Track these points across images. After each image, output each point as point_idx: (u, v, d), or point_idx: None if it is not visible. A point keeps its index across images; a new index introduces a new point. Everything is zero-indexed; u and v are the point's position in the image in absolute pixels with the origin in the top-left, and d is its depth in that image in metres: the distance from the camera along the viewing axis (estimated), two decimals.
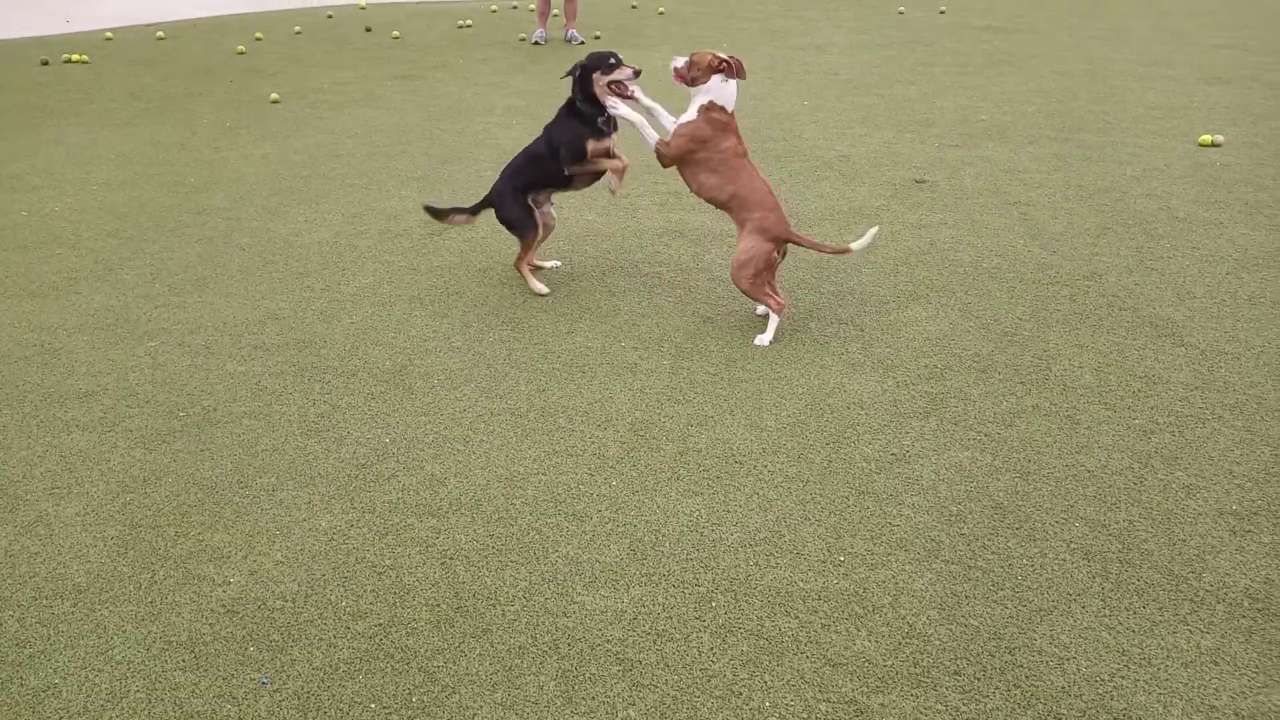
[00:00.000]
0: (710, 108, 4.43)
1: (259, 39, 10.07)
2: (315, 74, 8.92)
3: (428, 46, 10.04)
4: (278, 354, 4.33)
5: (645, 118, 4.66)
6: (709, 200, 4.59)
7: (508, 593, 2.97)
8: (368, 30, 10.60)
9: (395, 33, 10.47)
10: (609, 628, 2.82)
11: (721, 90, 4.44)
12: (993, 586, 2.97)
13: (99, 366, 4.17)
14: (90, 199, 6.00)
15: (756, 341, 4.45)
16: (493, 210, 4.92)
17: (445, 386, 4.10)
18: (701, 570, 3.06)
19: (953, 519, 3.29)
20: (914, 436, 3.75)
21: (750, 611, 2.88)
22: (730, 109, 4.46)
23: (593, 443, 3.73)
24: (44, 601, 2.93)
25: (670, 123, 4.59)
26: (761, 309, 4.61)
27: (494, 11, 11.76)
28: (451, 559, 3.12)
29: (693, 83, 4.46)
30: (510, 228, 4.91)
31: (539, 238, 4.90)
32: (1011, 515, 3.30)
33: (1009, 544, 3.16)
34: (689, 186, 4.63)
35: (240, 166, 6.67)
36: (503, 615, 2.88)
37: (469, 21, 11.08)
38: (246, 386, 4.08)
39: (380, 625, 2.85)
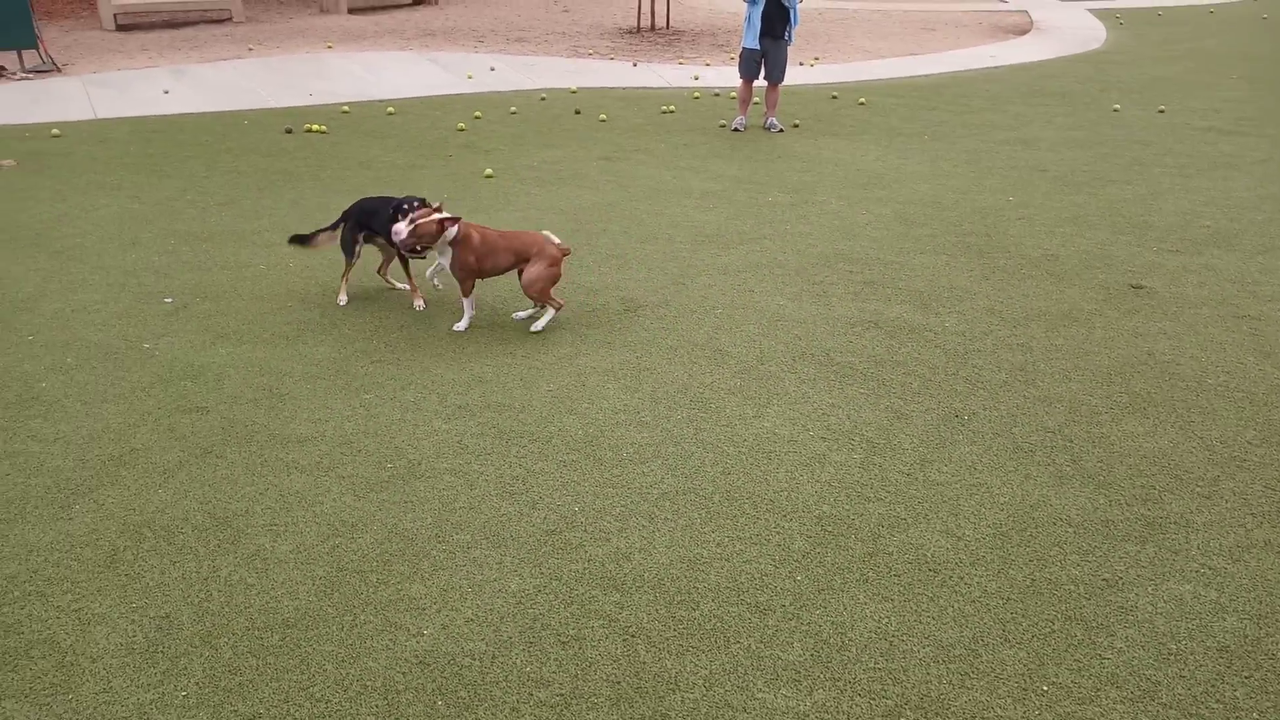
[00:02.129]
0: (456, 242, 5.25)
1: (478, 117, 10.75)
2: (527, 152, 9.41)
3: (632, 130, 10.43)
4: (480, 415, 4.51)
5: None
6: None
7: (688, 679, 2.94)
8: (577, 113, 11.12)
9: (602, 115, 10.94)
10: None
11: (450, 232, 5.21)
12: None
13: (319, 414, 4.47)
14: (321, 258, 6.50)
15: (517, 317, 5.60)
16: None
17: (633, 460, 4.16)
18: (890, 681, 2.93)
19: (1171, 658, 3.02)
20: (1128, 562, 3.49)
21: None
22: (460, 231, 5.24)
23: (778, 533, 3.67)
24: (256, 632, 3.12)
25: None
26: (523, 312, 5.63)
27: (696, 98, 12.12)
28: (633, 636, 3.12)
29: (426, 249, 5.30)
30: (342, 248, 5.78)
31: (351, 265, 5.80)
32: (1241, 662, 3.00)
33: (1237, 694, 2.87)
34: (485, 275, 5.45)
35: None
36: (682, 702, 2.84)
37: (671, 107, 11.45)
38: (449, 444, 4.26)
39: (562, 696, 2.86)
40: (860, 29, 18.30)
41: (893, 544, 3.61)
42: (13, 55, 12.14)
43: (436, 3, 19.47)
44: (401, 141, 9.73)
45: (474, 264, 5.31)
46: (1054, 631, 3.16)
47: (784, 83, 10.52)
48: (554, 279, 5.43)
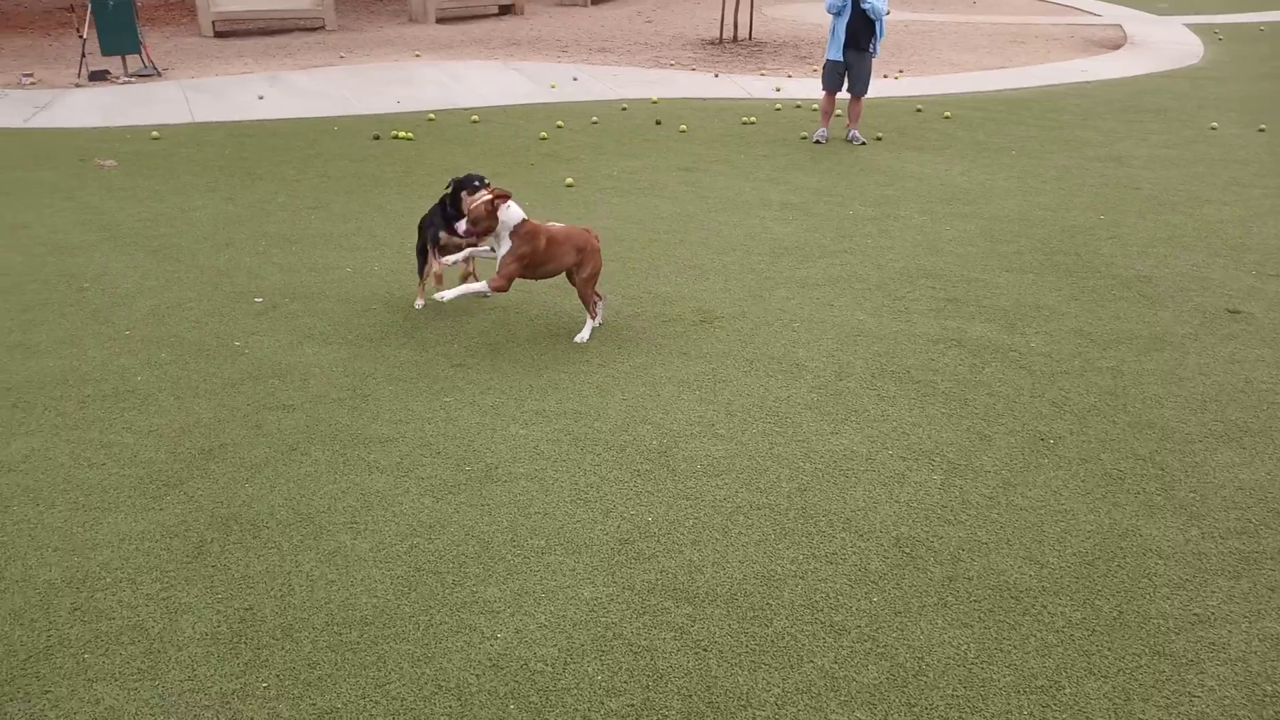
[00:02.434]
0: (516, 231, 5.02)
1: (560, 126, 10.86)
2: (607, 161, 9.47)
3: (712, 140, 10.42)
4: (556, 421, 4.54)
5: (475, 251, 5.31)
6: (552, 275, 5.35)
7: (760, 696, 2.91)
8: (657, 123, 11.16)
9: (682, 126, 10.96)
10: None
11: (510, 213, 5.02)
12: None
13: (400, 415, 4.55)
14: (405, 262, 6.63)
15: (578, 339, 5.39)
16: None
17: (707, 473, 4.14)
18: (968, 710, 2.86)
19: (1267, 700, 2.89)
20: (1221, 597, 3.36)
21: None
22: (523, 217, 5.06)
23: (854, 553, 3.61)
24: (335, 628, 3.18)
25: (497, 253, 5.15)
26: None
27: (778, 110, 12.06)
28: (705, 650, 3.10)
29: (487, 232, 5.05)
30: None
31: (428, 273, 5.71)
32: None
33: None
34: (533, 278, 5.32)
35: None
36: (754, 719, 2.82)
37: (752, 119, 11.42)
38: (526, 449, 4.30)
39: (633, 706, 2.86)
40: (946, 41, 18.01)
41: (973, 569, 3.52)
42: (117, 60, 12.67)
43: (522, 13, 19.75)
44: (485, 149, 9.88)
45: (531, 259, 5.11)
46: (1141, 667, 3.05)
47: (867, 95, 10.41)
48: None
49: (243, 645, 3.10)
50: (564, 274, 5.42)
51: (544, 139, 10.34)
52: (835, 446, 4.35)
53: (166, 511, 3.78)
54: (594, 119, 11.32)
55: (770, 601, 3.33)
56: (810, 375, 5.03)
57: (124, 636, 3.12)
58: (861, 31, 9.90)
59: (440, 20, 18.35)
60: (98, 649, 3.07)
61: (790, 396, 4.81)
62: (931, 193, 8.53)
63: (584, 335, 5.43)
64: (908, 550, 3.63)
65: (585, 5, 21.34)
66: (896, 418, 4.63)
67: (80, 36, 12.74)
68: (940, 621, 3.24)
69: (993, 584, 3.44)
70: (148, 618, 3.21)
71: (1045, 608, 3.32)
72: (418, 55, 14.66)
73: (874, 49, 10.08)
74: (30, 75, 12.49)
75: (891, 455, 4.29)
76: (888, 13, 9.96)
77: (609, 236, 7.25)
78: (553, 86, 12.97)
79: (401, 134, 10.28)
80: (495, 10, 19.77)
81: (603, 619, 3.24)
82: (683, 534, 3.71)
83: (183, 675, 2.97)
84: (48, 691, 2.90)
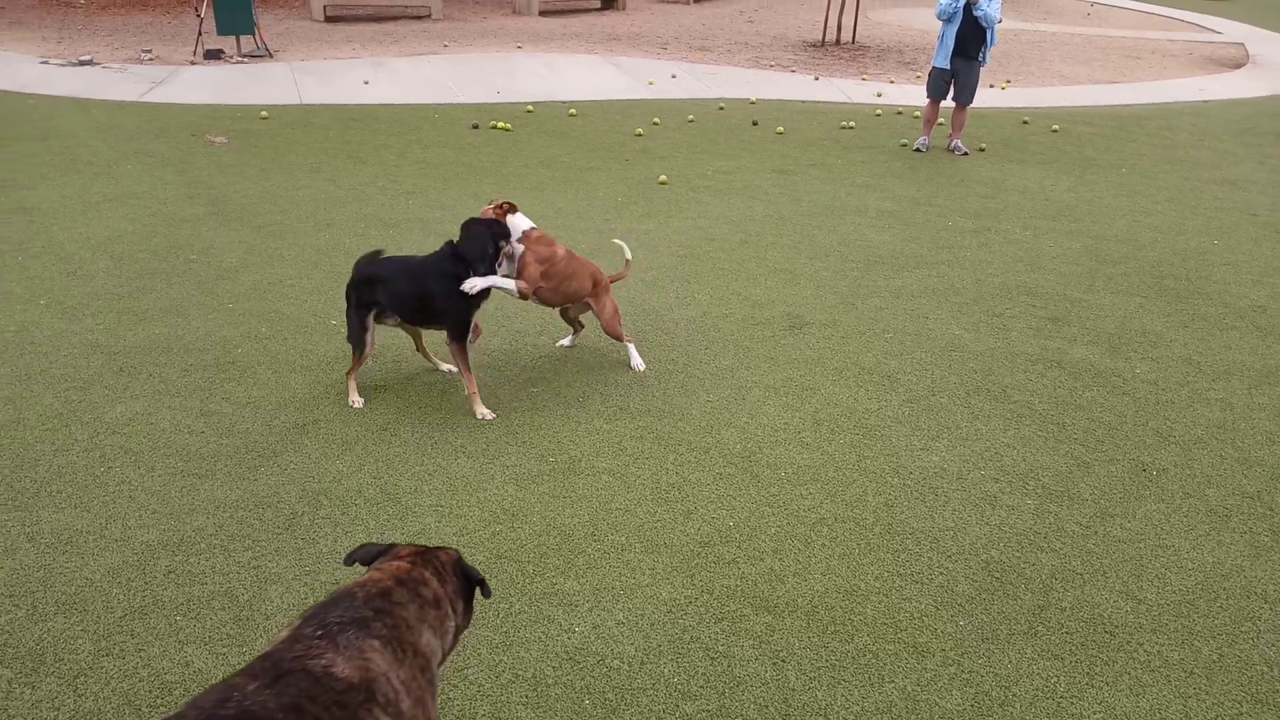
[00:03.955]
0: (527, 236, 4.59)
1: (656, 124, 10.85)
2: (702, 160, 9.43)
3: (809, 144, 10.29)
4: (640, 419, 4.53)
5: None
6: (561, 304, 4.90)
7: (838, 713, 2.85)
8: (754, 124, 11.07)
9: (779, 128, 10.85)
10: None
11: (518, 219, 4.60)
12: None
13: (488, 402, 4.58)
14: None
15: (635, 366, 5.02)
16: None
17: (791, 481, 4.08)
18: None
19: None
20: None
21: None
22: (531, 224, 4.64)
23: (941, 573, 3.52)
24: None
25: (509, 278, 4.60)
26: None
27: (878, 115, 11.86)
28: (784, 661, 3.05)
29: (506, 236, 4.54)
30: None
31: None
32: None
33: None
34: (547, 304, 4.82)
35: (625, 239, 7.15)
36: None
37: (851, 123, 11.24)
38: (609, 444, 4.29)
39: (708, 712, 2.83)
40: (1057, 53, 17.50)
41: (1066, 599, 3.40)
42: (231, 40, 13.09)
43: (624, 8, 19.82)
44: (581, 143, 9.93)
45: (551, 265, 4.59)
46: (1241, 715, 2.90)
47: (972, 104, 10.16)
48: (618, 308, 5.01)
49: None
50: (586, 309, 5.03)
51: (639, 135, 10.34)
52: (925, 463, 4.25)
53: (260, 482, 3.88)
54: (690, 117, 11.28)
55: (852, 617, 3.26)
56: (902, 388, 4.92)
57: (215, 602, 3.21)
58: (971, 39, 9.66)
59: (543, 13, 18.53)
60: (189, 612, 3.16)
61: (880, 409, 4.72)
62: (1035, 207, 8.29)
63: (637, 361, 5.03)
64: (997, 575, 3.52)
65: (688, 3, 21.32)
66: (990, 437, 4.49)
67: (198, 16, 13.20)
68: (1029, 651, 3.13)
69: (1086, 617, 3.31)
70: (238, 585, 3.29)
71: (1141, 645, 3.18)
72: (519, 47, 14.82)
73: (983, 58, 9.83)
74: (149, 51, 12.98)
75: (984, 476, 4.17)
76: (1000, 21, 9.70)
77: (700, 236, 7.22)
78: (650, 83, 12.98)
79: (500, 124, 10.40)
80: (598, 5, 19.88)
81: (680, 621, 3.21)
82: (764, 541, 3.66)
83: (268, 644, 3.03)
84: (141, 650, 2.99)
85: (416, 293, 4.36)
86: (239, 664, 2.94)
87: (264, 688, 1.78)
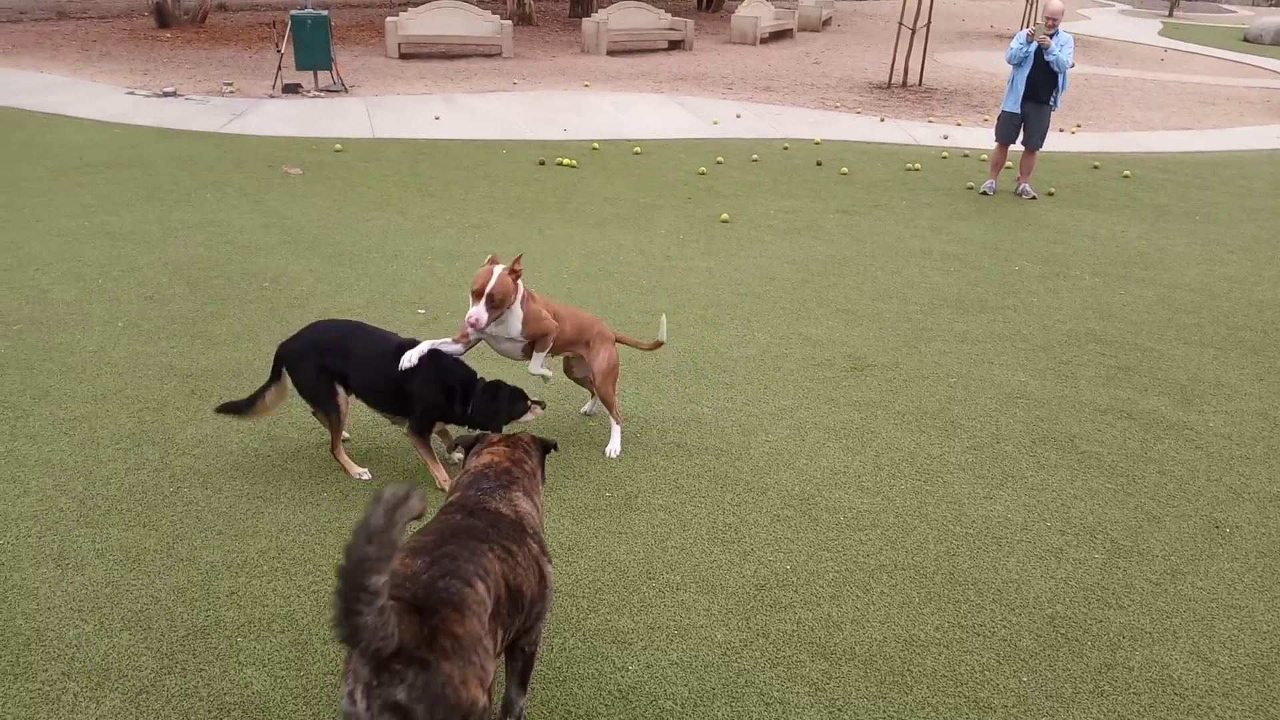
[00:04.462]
0: (528, 298, 4.11)
1: (719, 162, 10.91)
2: (764, 200, 9.45)
3: (873, 184, 10.26)
4: (697, 456, 4.52)
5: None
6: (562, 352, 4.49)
7: None
8: (818, 164, 11.08)
9: (844, 169, 10.84)
10: None
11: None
12: None
13: (545, 434, 4.59)
14: (560, 286, 6.77)
15: (610, 450, 4.50)
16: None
17: (850, 526, 4.02)
18: None
19: None
20: None
21: None
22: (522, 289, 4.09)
23: (1004, 627, 3.43)
24: None
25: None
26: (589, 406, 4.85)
27: (944, 158, 11.78)
28: (840, 710, 2.99)
29: (502, 304, 3.97)
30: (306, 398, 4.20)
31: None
32: None
33: None
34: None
35: (686, 276, 7.18)
36: None
37: (917, 165, 11.19)
38: (666, 481, 4.28)
39: None
40: (1129, 98, 17.25)
41: (1134, 658, 3.29)
42: (309, 75, 13.50)
43: (691, 49, 20.04)
44: (644, 180, 10.02)
45: (554, 318, 4.23)
46: None
47: (1041, 149, 10.05)
48: (617, 367, 4.53)
49: None
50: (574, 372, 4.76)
51: (703, 174, 10.40)
52: (989, 512, 4.16)
53: (323, 507, 3.94)
54: (754, 156, 11.33)
55: (911, 668, 3.19)
56: (965, 434, 4.84)
57: (275, 624, 3.25)
58: (1042, 83, 9.58)
59: (611, 53, 18.82)
60: (250, 633, 3.20)
61: (943, 455, 4.64)
62: (1105, 254, 8.14)
63: (614, 447, 4.50)
64: (1063, 631, 3.42)
65: (754, 44, 21.49)
66: (1057, 488, 4.39)
67: (278, 51, 13.65)
68: (1095, 712, 3.03)
69: (1155, 677, 3.20)
70: (298, 608, 3.33)
71: (1213, 709, 3.06)
72: (586, 85, 15.05)
73: (1054, 102, 9.74)
74: (230, 84, 13.45)
75: (1049, 527, 4.07)
76: (1072, 65, 9.60)
77: (761, 275, 7.21)
78: (715, 122, 13.07)
79: (565, 161, 10.55)
80: (665, 45, 20.14)
81: (735, 664, 3.17)
82: (822, 586, 3.61)
83: (326, 669, 3.06)
84: (202, 669, 3.04)
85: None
86: (297, 688, 2.97)
87: (466, 517, 2.54)
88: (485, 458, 2.83)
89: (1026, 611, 3.51)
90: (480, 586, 2.25)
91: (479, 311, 3.89)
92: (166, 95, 12.62)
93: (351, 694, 2.03)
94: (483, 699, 2.13)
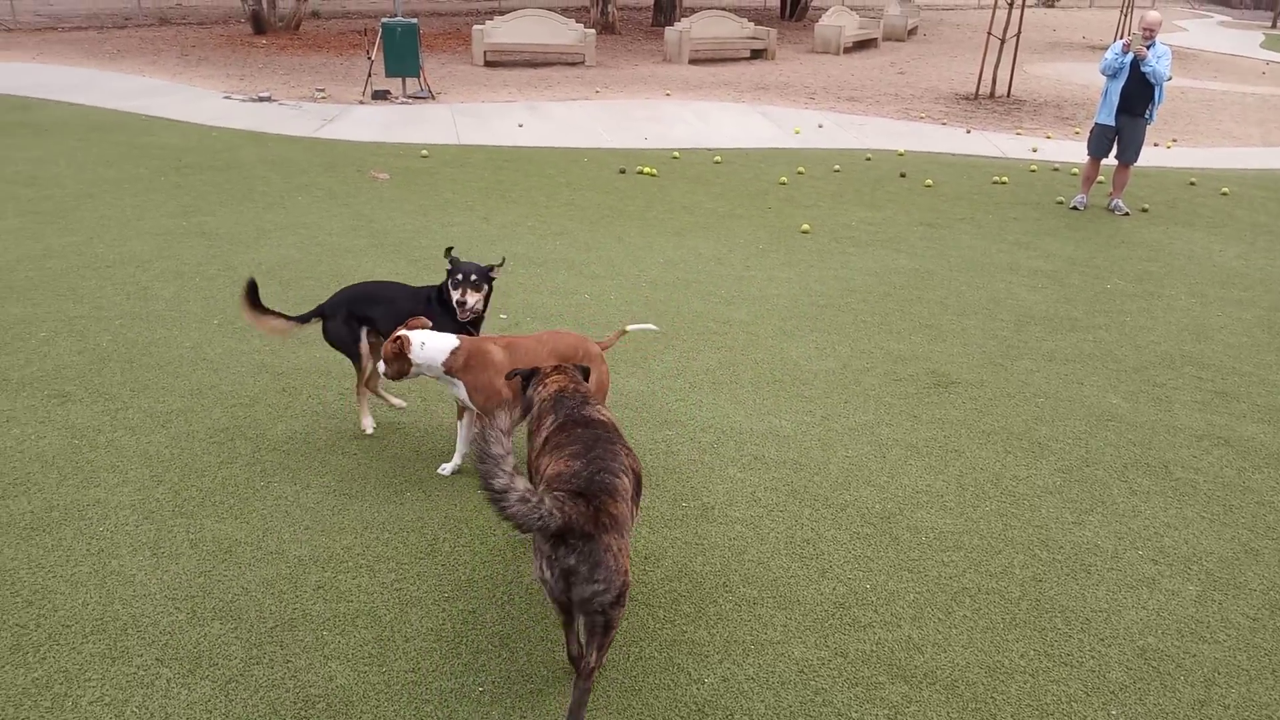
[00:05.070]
0: (452, 367, 3.90)
1: (800, 172, 10.84)
2: (846, 210, 9.35)
3: (958, 197, 10.07)
4: (775, 470, 4.48)
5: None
6: None
7: None
8: (902, 175, 10.92)
9: (928, 180, 10.67)
10: None
11: (428, 351, 3.89)
12: None
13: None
14: (638, 294, 6.79)
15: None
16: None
17: (933, 547, 3.94)
18: None
19: None
20: None
21: None
22: (452, 347, 3.90)
23: (1092, 657, 3.33)
24: (548, 646, 3.25)
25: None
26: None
27: (1033, 171, 11.52)
28: None
29: (401, 375, 3.92)
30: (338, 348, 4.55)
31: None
32: None
33: None
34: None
35: (764, 286, 7.14)
36: None
37: (1004, 178, 10.95)
38: (743, 494, 4.26)
39: None
40: (1228, 112, 16.65)
41: (1230, 696, 3.16)
42: (398, 81, 13.80)
43: (774, 58, 19.96)
44: (724, 190, 10.00)
45: (501, 386, 3.90)
46: None
47: (1136, 163, 9.75)
48: (607, 388, 4.19)
49: (463, 647, 3.22)
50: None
51: (783, 183, 10.34)
52: (1077, 538, 4.04)
53: (405, 506, 4.01)
54: (836, 167, 11.22)
55: (995, 695, 3.12)
56: (1053, 457, 4.71)
57: (359, 620, 3.32)
58: (1137, 96, 9.30)
59: (693, 61, 18.85)
60: (335, 628, 3.28)
61: (1030, 477, 4.53)
62: (1202, 273, 7.86)
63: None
64: (1154, 664, 3.30)
65: (838, 53, 21.31)
66: (1149, 515, 4.25)
67: (369, 58, 14.00)
68: None
69: (1251, 717, 3.07)
70: (381, 605, 3.40)
71: None
72: (668, 94, 15.09)
73: (1150, 115, 9.45)
74: (323, 90, 13.82)
75: (1141, 556, 3.94)
76: (1169, 78, 9.31)
77: (841, 287, 7.14)
78: (797, 132, 12.99)
79: (646, 169, 10.59)
80: (747, 54, 20.10)
81: (812, 682, 3.13)
82: (902, 607, 3.54)
83: (408, 666, 3.12)
84: (289, 661, 3.12)
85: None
86: (379, 684, 3.03)
87: (587, 428, 3.05)
88: (552, 386, 3.35)
89: (1116, 642, 3.40)
90: (623, 478, 2.88)
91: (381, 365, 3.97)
92: (261, 100, 13.02)
93: (539, 566, 2.71)
94: (627, 568, 2.74)
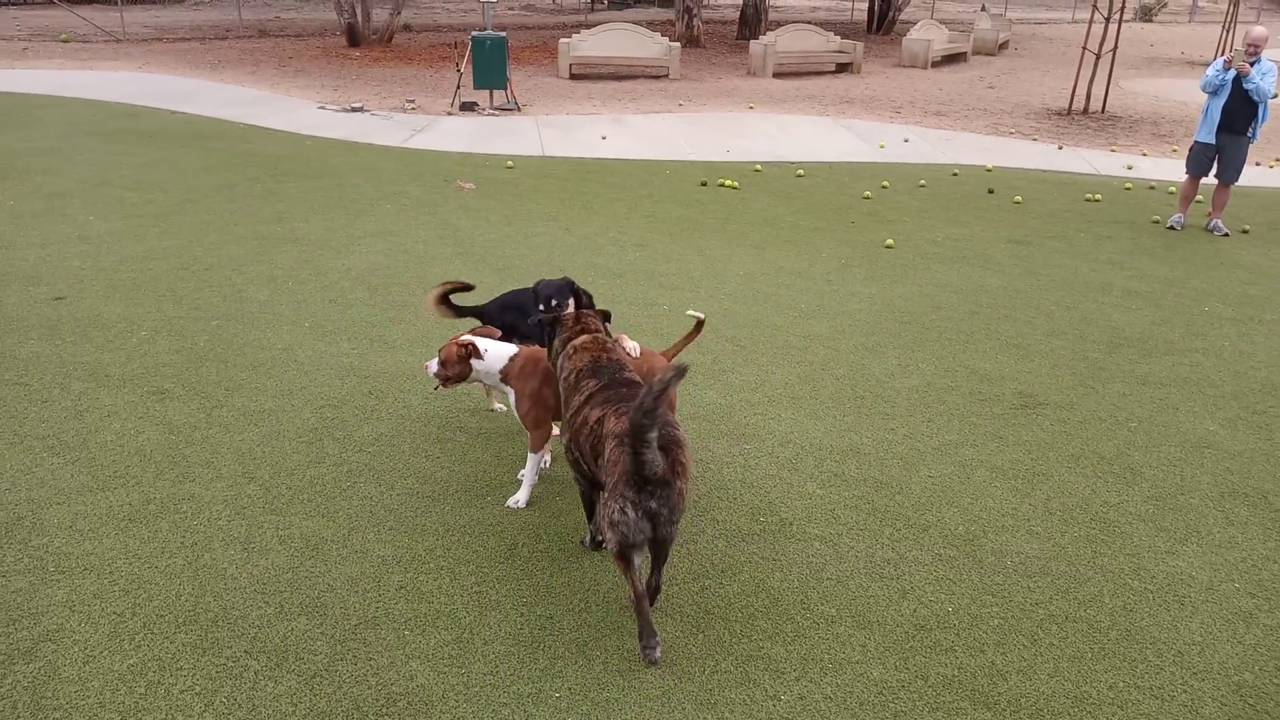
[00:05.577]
0: (508, 373, 4.06)
1: (885, 187, 10.71)
2: (931, 226, 9.20)
3: (1049, 215, 9.83)
4: (855, 488, 4.43)
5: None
6: None
7: None
8: (990, 192, 10.71)
9: (1017, 197, 10.44)
10: None
11: (489, 360, 4.06)
12: None
13: (700, 456, 4.62)
14: (718, 306, 6.78)
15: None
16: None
17: (1018, 571, 3.85)
18: None
19: None
20: None
21: None
22: (511, 353, 4.09)
23: (1185, 691, 3.21)
24: (624, 655, 3.25)
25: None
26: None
27: (1127, 189, 11.18)
28: None
29: (458, 379, 4.10)
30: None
31: None
32: None
33: None
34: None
35: (847, 302, 7.07)
36: None
37: (1098, 196, 10.65)
38: (822, 511, 4.22)
39: None
40: None
41: None
42: (485, 94, 14.05)
43: (859, 71, 19.78)
44: (807, 204, 9.93)
45: (548, 393, 3.98)
46: None
47: (1237, 183, 9.40)
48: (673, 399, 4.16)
49: (540, 652, 3.25)
50: None
51: (867, 198, 10.23)
52: (1171, 568, 3.90)
53: (486, 510, 4.07)
54: (921, 182, 11.06)
55: None
56: (1146, 483, 4.56)
57: (440, 621, 3.38)
58: (1240, 114, 8.97)
59: (777, 75, 18.78)
60: (416, 628, 3.34)
61: (1121, 504, 4.38)
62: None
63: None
64: (1251, 701, 3.17)
65: (925, 68, 21.02)
66: (1247, 546, 4.08)
67: (458, 71, 14.29)
68: None
69: None
70: (461, 607, 3.45)
71: None
72: (751, 107, 15.07)
73: (1253, 134, 9.10)
74: (413, 101, 14.15)
75: (1238, 589, 3.78)
76: (1275, 95, 8.95)
77: (926, 304, 7.02)
78: (881, 146, 12.84)
79: (728, 182, 10.57)
80: (832, 68, 19.95)
81: (891, 704, 3.08)
82: (986, 632, 3.46)
83: (486, 669, 3.16)
84: (371, 659, 3.19)
85: None
86: (458, 685, 3.08)
87: (620, 386, 3.42)
88: (585, 355, 3.59)
89: (1210, 677, 3.27)
90: (682, 429, 3.25)
91: (432, 364, 4.13)
92: (354, 110, 13.39)
93: (621, 509, 3.02)
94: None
